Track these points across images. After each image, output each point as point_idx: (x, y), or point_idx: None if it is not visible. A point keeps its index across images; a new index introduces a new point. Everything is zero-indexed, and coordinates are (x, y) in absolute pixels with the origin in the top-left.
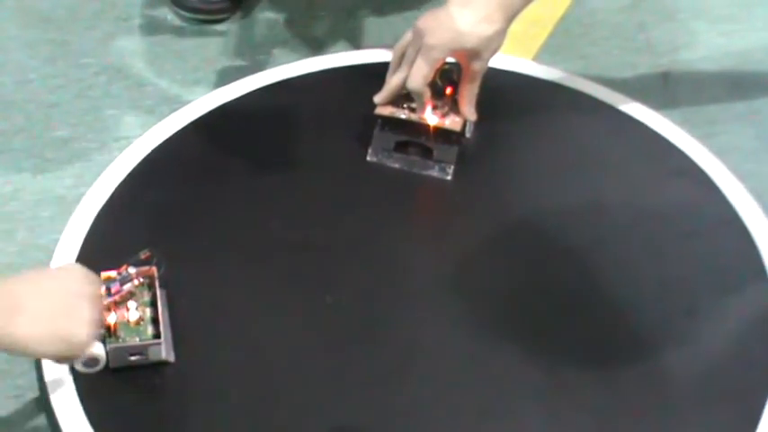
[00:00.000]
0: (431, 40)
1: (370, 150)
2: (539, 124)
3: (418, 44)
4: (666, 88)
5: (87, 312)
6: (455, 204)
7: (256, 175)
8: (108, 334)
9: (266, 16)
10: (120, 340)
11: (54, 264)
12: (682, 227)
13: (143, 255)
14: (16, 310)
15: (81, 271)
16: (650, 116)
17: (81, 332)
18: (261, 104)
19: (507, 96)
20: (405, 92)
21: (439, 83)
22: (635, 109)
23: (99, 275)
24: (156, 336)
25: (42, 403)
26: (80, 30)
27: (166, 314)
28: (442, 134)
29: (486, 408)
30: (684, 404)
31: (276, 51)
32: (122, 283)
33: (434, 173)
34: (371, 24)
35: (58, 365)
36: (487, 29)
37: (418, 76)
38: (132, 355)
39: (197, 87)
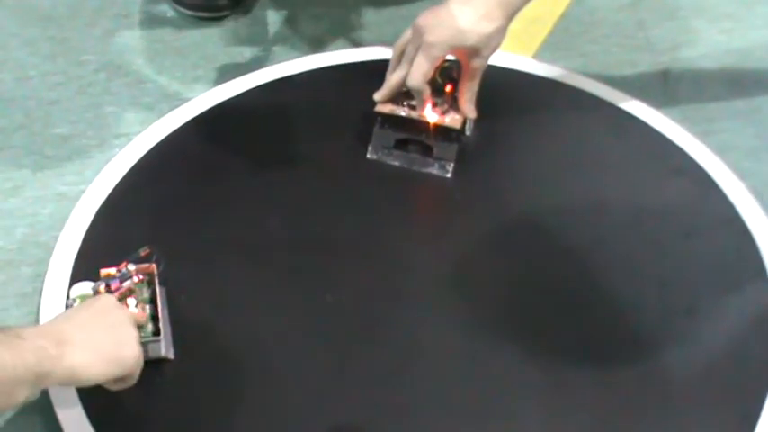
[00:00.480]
0: (431, 37)
1: (369, 148)
2: (538, 122)
3: (418, 42)
4: (666, 86)
5: (129, 332)
6: (455, 202)
7: (256, 173)
8: None
9: (266, 13)
10: None
11: (54, 260)
12: (681, 225)
13: (143, 252)
14: (65, 344)
15: (110, 299)
16: (650, 114)
17: (128, 351)
18: (261, 102)
19: (507, 94)
20: (405, 89)
21: (439, 80)
22: (635, 107)
23: (98, 272)
24: (156, 333)
25: (43, 401)
26: (80, 27)
27: (166, 311)
28: (442, 132)
29: (487, 407)
30: (684, 403)
31: (276, 49)
32: (122, 281)
33: (434, 170)
34: (371, 22)
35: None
36: (487, 26)
37: (418, 73)
38: None
39: (197, 84)
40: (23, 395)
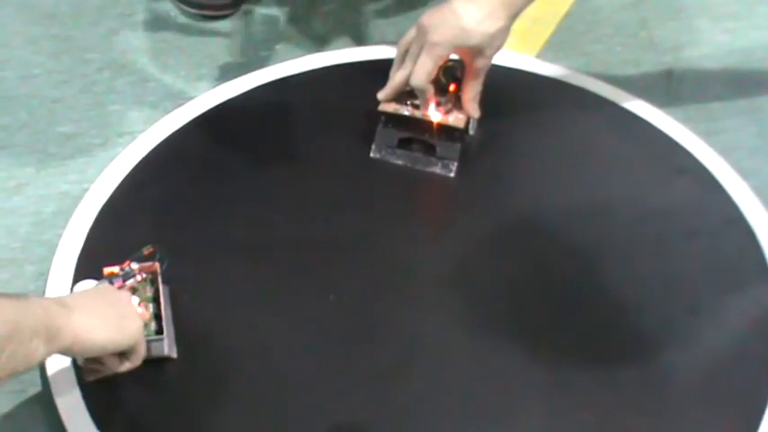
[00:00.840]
0: (435, 36)
1: (373, 147)
2: (542, 121)
3: (422, 41)
4: (669, 86)
5: (130, 307)
6: (458, 201)
7: (259, 172)
8: None
9: (269, 12)
10: None
11: (57, 259)
12: (684, 225)
13: (146, 250)
14: (72, 311)
15: (110, 285)
16: (653, 113)
17: (131, 322)
18: (264, 101)
19: (510, 93)
20: (408, 88)
21: (442, 80)
22: (638, 106)
23: (102, 271)
24: (159, 332)
25: (45, 399)
26: (84, 25)
27: (169, 310)
28: (446, 131)
29: (489, 406)
30: (687, 403)
31: (279, 48)
32: (125, 279)
33: (437, 170)
34: (375, 21)
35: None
36: (491, 26)
37: (422, 72)
38: None
39: (200, 83)
40: (40, 351)
